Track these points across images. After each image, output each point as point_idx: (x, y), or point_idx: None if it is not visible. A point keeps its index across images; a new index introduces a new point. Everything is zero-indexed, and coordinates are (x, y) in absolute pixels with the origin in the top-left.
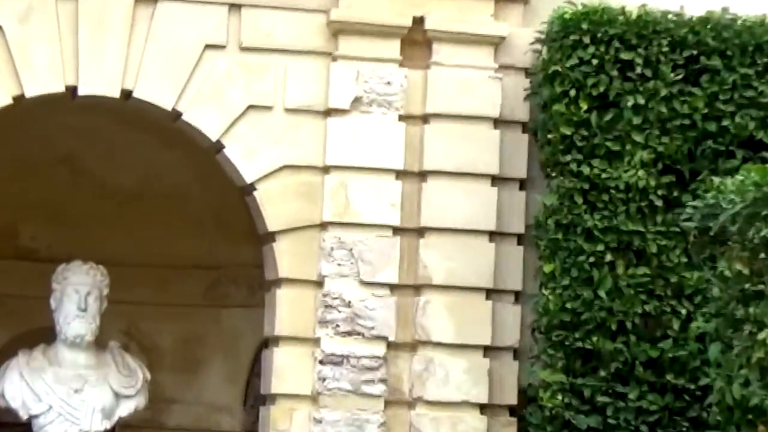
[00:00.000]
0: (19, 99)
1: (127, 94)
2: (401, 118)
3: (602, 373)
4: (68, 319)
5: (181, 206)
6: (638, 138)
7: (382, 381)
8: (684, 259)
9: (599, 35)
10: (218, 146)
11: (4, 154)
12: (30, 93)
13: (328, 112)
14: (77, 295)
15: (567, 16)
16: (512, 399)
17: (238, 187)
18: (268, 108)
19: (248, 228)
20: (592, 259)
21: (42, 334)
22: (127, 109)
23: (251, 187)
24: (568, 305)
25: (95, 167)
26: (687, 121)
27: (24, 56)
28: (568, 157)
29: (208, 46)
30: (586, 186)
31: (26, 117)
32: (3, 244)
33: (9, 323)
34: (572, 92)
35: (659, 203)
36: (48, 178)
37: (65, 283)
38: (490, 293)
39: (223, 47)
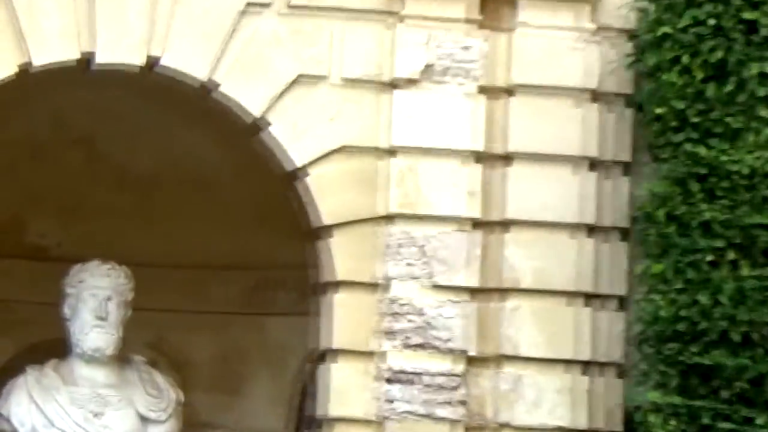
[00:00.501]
0: (26, 69)
1: (152, 64)
2: (481, 90)
3: (724, 394)
4: (85, 330)
5: (216, 196)
6: (764, 113)
7: (461, 403)
8: None
9: None
10: (261, 124)
11: (8, 136)
12: (39, 62)
13: (394, 84)
14: (95, 301)
15: None
16: (616, 424)
17: (285, 172)
18: (322, 78)
19: (297, 221)
20: (710, 258)
21: (54, 346)
22: (151, 83)
23: (301, 173)
24: (683, 313)
25: (114, 151)
26: None
27: (32, 19)
28: (681, 137)
29: (249, 5)
30: (703, 171)
31: (34, 92)
32: (7, 242)
33: (15, 334)
34: (685, 59)
35: None
36: (59, 163)
37: (81, 286)
38: (588, 298)
39: (267, 6)
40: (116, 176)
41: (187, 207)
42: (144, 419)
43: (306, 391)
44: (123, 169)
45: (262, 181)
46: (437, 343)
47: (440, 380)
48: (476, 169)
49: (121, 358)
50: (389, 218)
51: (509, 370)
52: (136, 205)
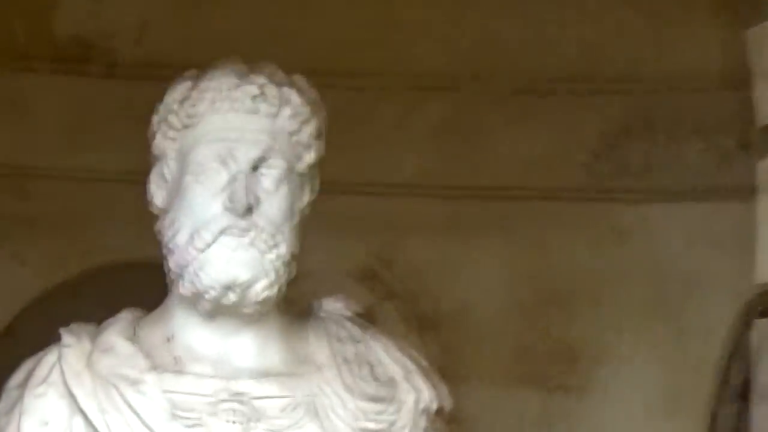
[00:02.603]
0: None
1: None
2: None
3: None
4: (202, 239)
5: None
6: None
7: None
8: None
9: None
10: None
11: None
12: None
13: None
14: (225, 171)
15: None
16: None
17: None
18: None
19: None
20: None
21: (125, 277)
22: None
23: None
24: None
25: None
26: None
27: None
28: None
29: None
30: None
31: None
32: (30, 36)
33: (41, 250)
34: None
35: None
36: None
37: (190, 135)
38: None
39: None
40: None
41: None
42: None
43: (728, 379)
44: None
45: None
46: None
47: None
48: None
49: (292, 309)
50: None
51: None
52: None
